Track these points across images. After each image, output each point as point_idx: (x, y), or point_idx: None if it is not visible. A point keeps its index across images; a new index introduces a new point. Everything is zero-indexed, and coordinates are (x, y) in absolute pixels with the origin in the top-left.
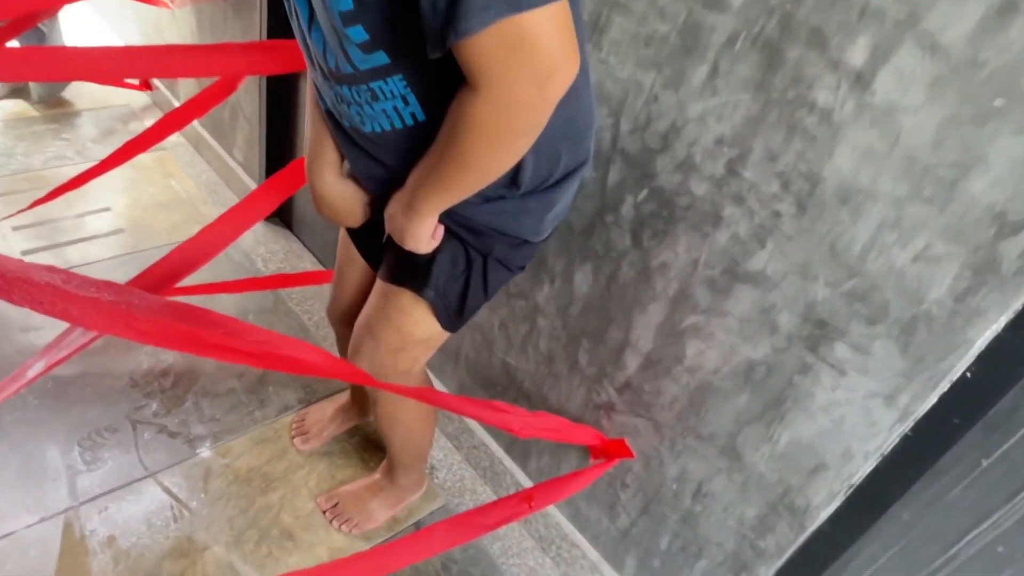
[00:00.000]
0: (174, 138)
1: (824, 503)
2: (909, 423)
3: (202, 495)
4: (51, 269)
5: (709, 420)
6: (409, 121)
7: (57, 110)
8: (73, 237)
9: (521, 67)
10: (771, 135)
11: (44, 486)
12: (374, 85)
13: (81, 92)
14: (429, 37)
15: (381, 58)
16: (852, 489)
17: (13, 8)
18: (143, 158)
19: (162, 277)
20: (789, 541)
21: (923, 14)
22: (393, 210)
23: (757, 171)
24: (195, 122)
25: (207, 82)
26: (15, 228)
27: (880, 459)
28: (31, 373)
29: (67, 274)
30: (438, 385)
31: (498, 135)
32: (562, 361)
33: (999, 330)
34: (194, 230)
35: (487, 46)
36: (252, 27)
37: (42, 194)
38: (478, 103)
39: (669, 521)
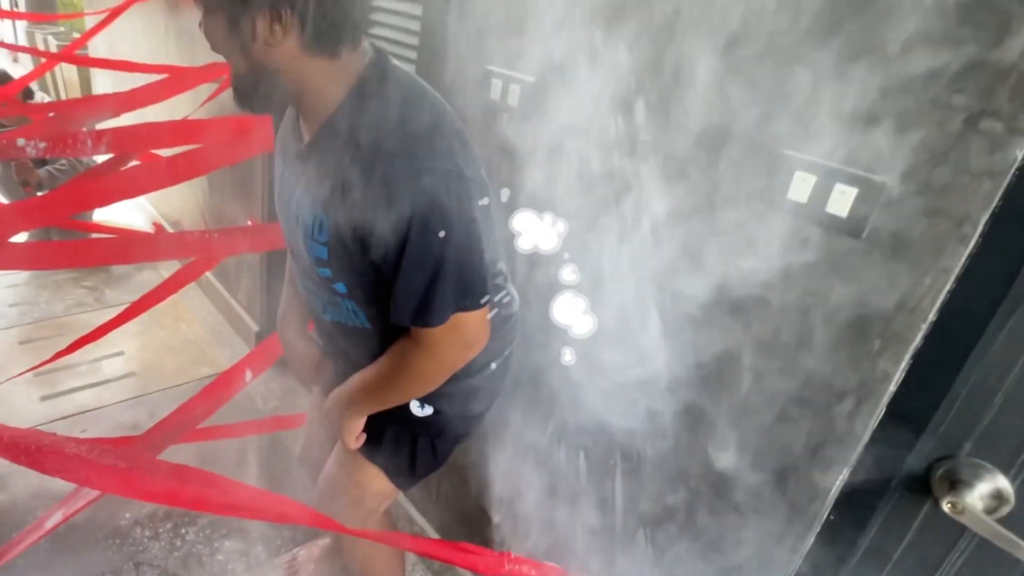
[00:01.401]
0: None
1: None
2: (798, 562)
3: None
4: (78, 441)
5: (648, 555)
6: (359, 324)
7: None
8: (88, 382)
9: (454, 341)
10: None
11: None
12: (334, 297)
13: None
14: (396, 311)
15: (340, 287)
16: None
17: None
18: None
19: (171, 430)
20: None
21: (757, 235)
22: (331, 405)
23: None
24: None
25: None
26: (36, 375)
27: None
28: (49, 523)
29: (90, 444)
30: (418, 519)
31: (428, 376)
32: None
33: (845, 479)
34: (199, 371)
35: (438, 330)
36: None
37: (63, 341)
38: (421, 355)
39: None
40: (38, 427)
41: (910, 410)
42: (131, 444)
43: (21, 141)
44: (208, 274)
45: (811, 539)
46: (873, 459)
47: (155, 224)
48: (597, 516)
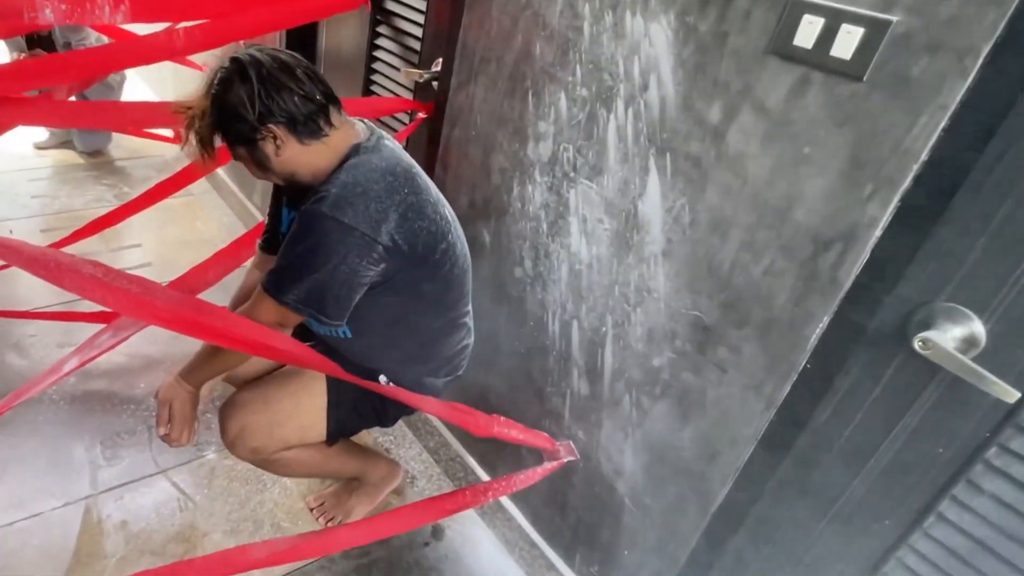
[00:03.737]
0: (202, 184)
1: (719, 486)
2: (772, 411)
3: (206, 491)
4: (95, 264)
5: (633, 421)
6: (341, 335)
7: (99, 160)
8: None
9: (266, 311)
10: (661, 177)
11: (69, 476)
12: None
13: (121, 144)
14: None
15: None
16: (738, 472)
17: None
18: (173, 202)
19: (183, 289)
20: (696, 524)
21: (754, 84)
22: (170, 382)
23: (651, 206)
24: (220, 171)
25: None
26: None
27: (756, 443)
28: (67, 367)
29: (106, 269)
30: None
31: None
32: (519, 374)
33: (824, 328)
34: None
35: (264, 296)
36: None
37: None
38: (250, 307)
39: (607, 515)
40: (55, 308)
41: (892, 256)
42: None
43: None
44: (224, 176)
45: (786, 389)
46: (852, 307)
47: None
48: (586, 384)
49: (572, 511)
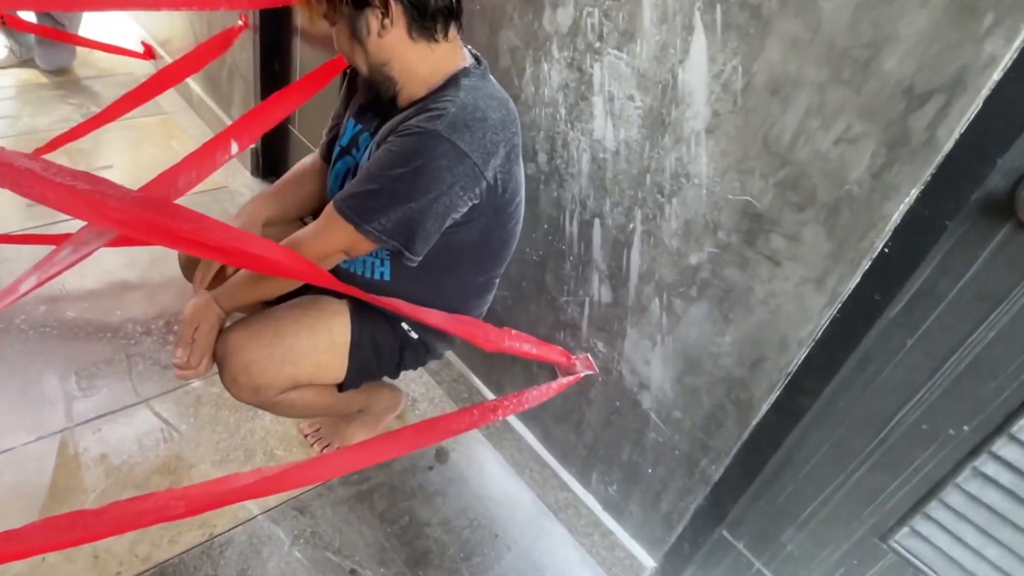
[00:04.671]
0: (176, 102)
1: (765, 395)
2: (836, 306)
3: (192, 420)
4: (31, 157)
5: (664, 327)
6: (376, 276)
7: (64, 78)
8: None
9: (339, 237)
10: (709, 36)
11: (42, 409)
12: None
13: (87, 62)
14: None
15: None
16: (789, 378)
17: None
18: (145, 120)
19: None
20: (736, 436)
21: None
22: (200, 302)
23: (695, 74)
24: (194, 85)
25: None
26: None
27: (812, 345)
28: (24, 287)
29: (45, 163)
30: None
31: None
32: (531, 283)
33: (911, 203)
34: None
35: (339, 219)
36: None
37: (46, 154)
38: (311, 230)
39: (629, 431)
40: (24, 232)
41: (1012, 106)
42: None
43: None
44: (197, 89)
45: (855, 280)
46: (951, 176)
47: (144, 44)
48: (608, 291)
49: (588, 429)
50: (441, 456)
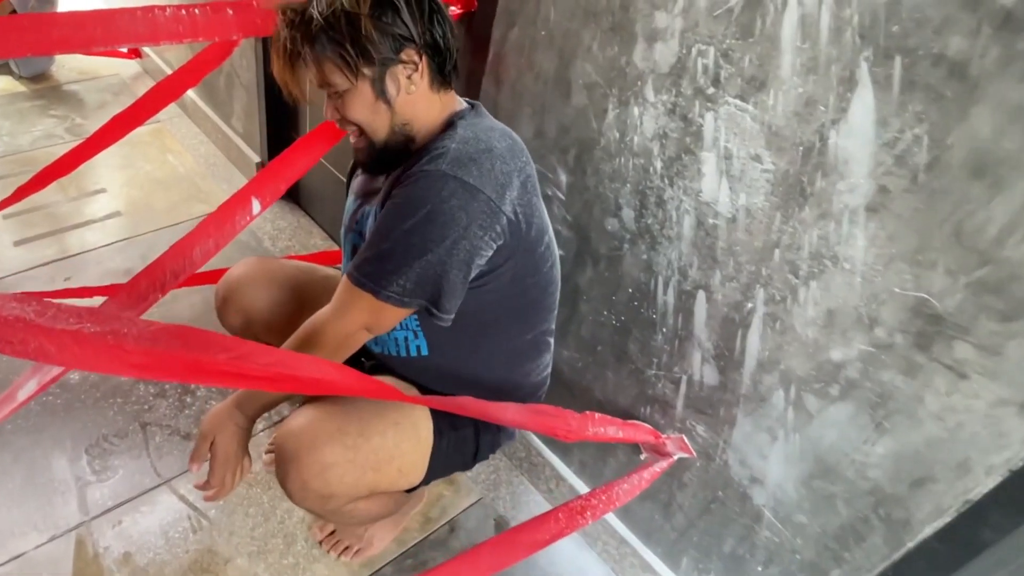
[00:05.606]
0: (170, 109)
1: (930, 518)
2: None
3: (221, 502)
4: (21, 298)
5: (789, 423)
6: (414, 353)
7: (43, 85)
8: (68, 223)
9: (360, 313)
10: (879, 95)
11: (53, 500)
12: None
13: (66, 64)
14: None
15: None
16: (969, 506)
17: None
18: (138, 132)
19: (163, 276)
20: (883, 555)
21: None
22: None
23: (855, 139)
24: (190, 91)
25: (199, 47)
26: (6, 216)
27: (1008, 475)
28: (22, 394)
29: (41, 303)
30: None
31: (320, 336)
32: (608, 349)
33: None
34: (195, 209)
35: (356, 290)
36: None
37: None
38: (328, 310)
39: (734, 524)
40: (13, 275)
41: None
42: (114, 294)
43: None
44: (195, 96)
45: None
46: None
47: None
48: (713, 372)
49: (679, 512)
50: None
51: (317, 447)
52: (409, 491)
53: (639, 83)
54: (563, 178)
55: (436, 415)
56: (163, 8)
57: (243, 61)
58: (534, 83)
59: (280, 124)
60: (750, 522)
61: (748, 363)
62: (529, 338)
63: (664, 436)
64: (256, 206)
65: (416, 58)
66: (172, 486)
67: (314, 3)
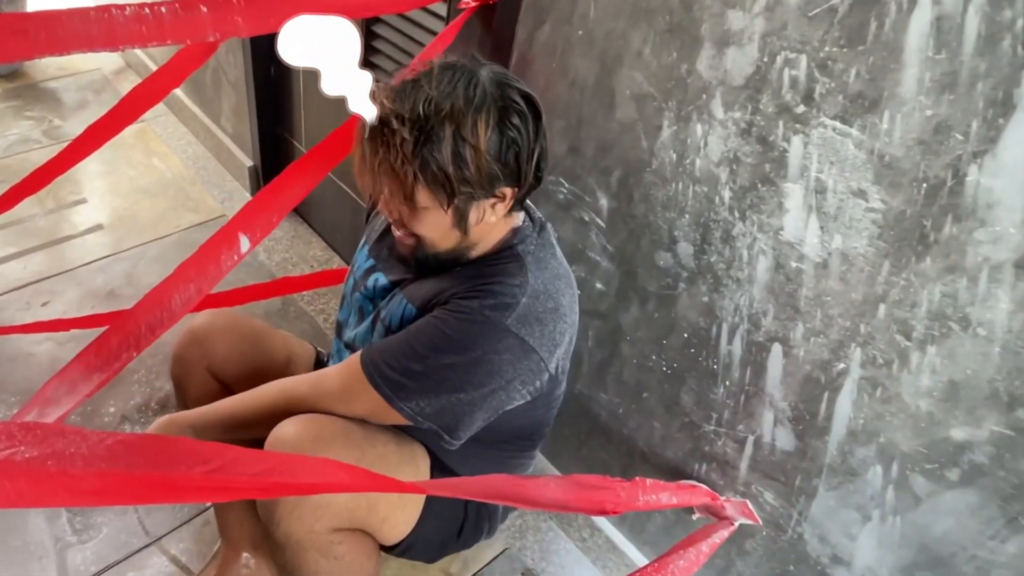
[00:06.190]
0: (154, 107)
1: None
2: None
3: (216, 560)
4: None
5: (887, 504)
6: None
7: (18, 83)
8: (46, 240)
9: (363, 402)
10: None
11: (29, 567)
12: None
13: (42, 60)
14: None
15: None
16: None
17: None
18: (120, 133)
19: (138, 331)
20: None
21: None
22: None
23: (1005, 178)
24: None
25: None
26: None
27: None
28: None
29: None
30: None
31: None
32: (656, 398)
33: None
34: (183, 219)
35: (364, 381)
36: None
37: (5, 188)
38: (331, 380)
39: None
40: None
41: None
42: (90, 325)
43: None
44: (181, 95)
45: None
46: None
47: None
48: (788, 436)
49: None
50: None
51: (323, 440)
52: (391, 551)
53: (704, 96)
54: (603, 203)
55: (432, 456)
56: (122, 7)
57: (230, 57)
58: (568, 92)
59: (272, 124)
60: None
61: (836, 430)
62: (513, 463)
63: (723, 499)
64: (245, 244)
65: (508, 193)
66: (162, 545)
67: (431, 104)
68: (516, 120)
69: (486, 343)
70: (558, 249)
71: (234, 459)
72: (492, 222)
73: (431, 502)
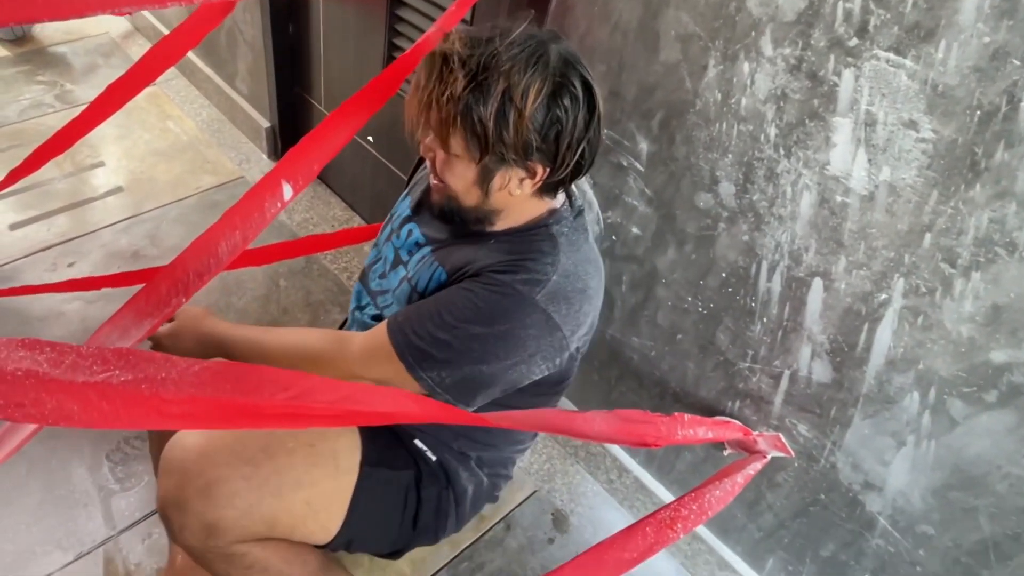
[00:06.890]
0: (167, 71)
1: None
2: None
3: None
4: (32, 345)
5: (923, 429)
6: None
7: (27, 48)
8: (67, 202)
9: (378, 367)
10: None
11: (75, 514)
12: None
13: (50, 23)
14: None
15: None
16: None
17: None
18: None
19: (186, 278)
20: None
21: None
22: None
23: None
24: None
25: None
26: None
27: None
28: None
29: (56, 349)
30: None
31: (324, 368)
32: (691, 339)
33: None
34: (202, 181)
35: (386, 347)
36: None
37: (23, 151)
38: (351, 346)
39: (838, 529)
40: (13, 263)
41: None
42: (126, 283)
43: None
44: (194, 57)
45: None
46: None
47: None
48: (826, 368)
49: (767, 511)
50: (560, 523)
51: (207, 456)
52: (326, 548)
53: (753, 34)
54: (643, 147)
55: (367, 447)
56: None
57: (246, 16)
58: (610, 36)
59: (290, 83)
60: (858, 528)
61: (874, 360)
62: (520, 435)
63: (756, 433)
64: (287, 191)
65: (539, 171)
66: None
67: (494, 59)
68: (567, 101)
69: (515, 317)
70: (591, 235)
71: (312, 387)
72: (516, 195)
73: (364, 485)
